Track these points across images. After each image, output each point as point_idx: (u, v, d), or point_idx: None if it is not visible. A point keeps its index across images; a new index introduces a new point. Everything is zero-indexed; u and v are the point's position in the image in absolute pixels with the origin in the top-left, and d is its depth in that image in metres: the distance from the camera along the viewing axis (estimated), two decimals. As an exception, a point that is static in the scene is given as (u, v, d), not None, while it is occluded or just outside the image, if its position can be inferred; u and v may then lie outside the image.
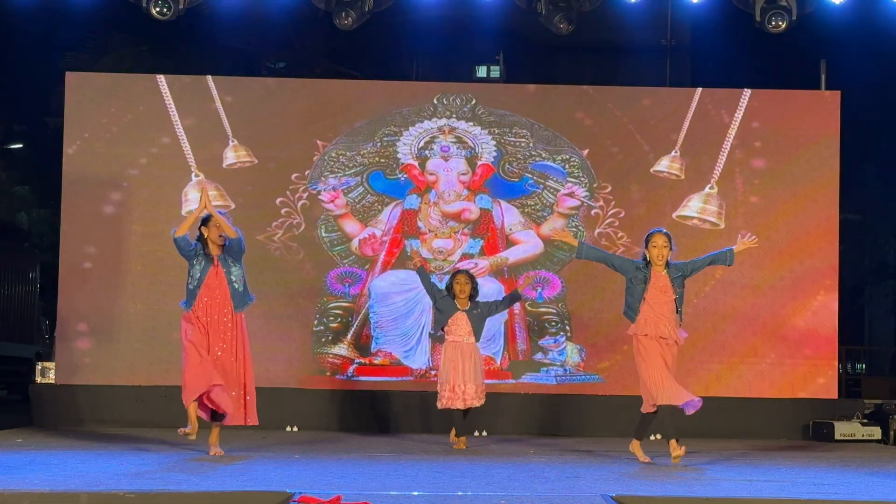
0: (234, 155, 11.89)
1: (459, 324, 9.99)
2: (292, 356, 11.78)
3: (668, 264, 8.64)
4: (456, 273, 10.24)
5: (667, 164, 11.96)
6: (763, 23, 10.60)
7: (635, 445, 8.72)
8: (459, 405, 9.88)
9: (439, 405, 9.96)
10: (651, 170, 11.94)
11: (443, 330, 10.06)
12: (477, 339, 10.06)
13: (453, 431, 10.01)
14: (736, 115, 11.98)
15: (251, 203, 11.87)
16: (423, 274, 10.26)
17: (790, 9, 10.63)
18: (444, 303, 10.08)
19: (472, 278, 10.14)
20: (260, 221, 11.83)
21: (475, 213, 11.99)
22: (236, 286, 8.59)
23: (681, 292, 8.67)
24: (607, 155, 12.01)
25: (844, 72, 12.06)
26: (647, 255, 8.64)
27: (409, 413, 11.36)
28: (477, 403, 9.96)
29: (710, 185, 11.93)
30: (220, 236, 8.53)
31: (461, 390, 9.86)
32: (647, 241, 8.69)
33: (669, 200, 11.95)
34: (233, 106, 11.95)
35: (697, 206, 11.92)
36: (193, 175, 11.82)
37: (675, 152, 11.97)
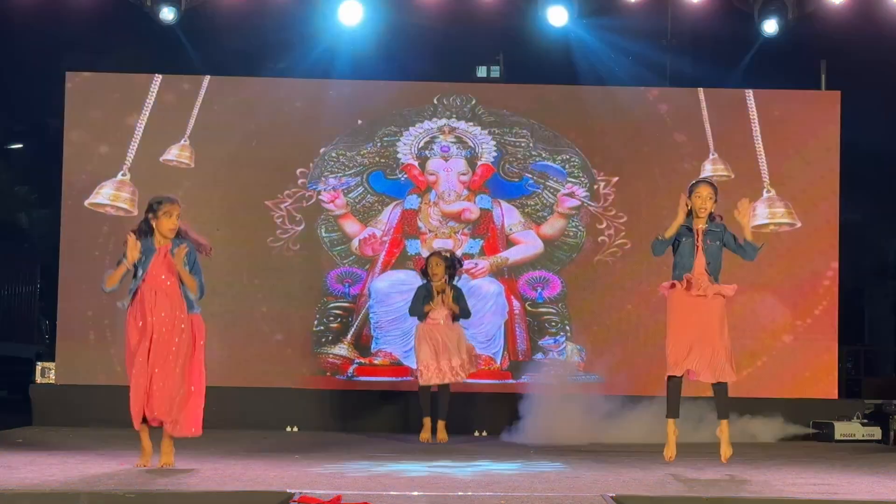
0: (176, 153, 11.84)
1: (435, 308, 10.17)
2: (292, 356, 11.79)
3: (711, 217, 7.84)
4: (429, 256, 10.40)
5: (711, 168, 11.89)
6: (759, 24, 10.64)
7: (669, 424, 7.92)
8: (436, 380, 10.01)
9: (421, 381, 10.12)
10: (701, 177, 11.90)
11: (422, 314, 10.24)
12: (466, 317, 10.26)
13: (425, 425, 10.12)
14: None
15: (250, 203, 11.87)
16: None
17: (786, 9, 10.66)
18: (421, 290, 10.30)
19: (445, 259, 10.30)
20: (259, 222, 11.84)
21: (475, 213, 11.99)
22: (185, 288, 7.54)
23: (713, 247, 7.79)
24: (604, 155, 12.02)
25: (844, 72, 12.05)
26: (691, 207, 7.84)
27: (409, 413, 11.35)
28: (461, 377, 10.10)
29: (766, 189, 11.87)
30: (173, 230, 7.51)
31: (434, 366, 9.97)
32: (690, 192, 7.86)
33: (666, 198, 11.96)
34: (232, 106, 11.96)
35: (766, 213, 11.82)
36: (121, 173, 11.76)
37: (713, 154, 11.92)
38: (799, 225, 11.83)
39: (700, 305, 7.80)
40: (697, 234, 7.87)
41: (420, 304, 10.25)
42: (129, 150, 11.77)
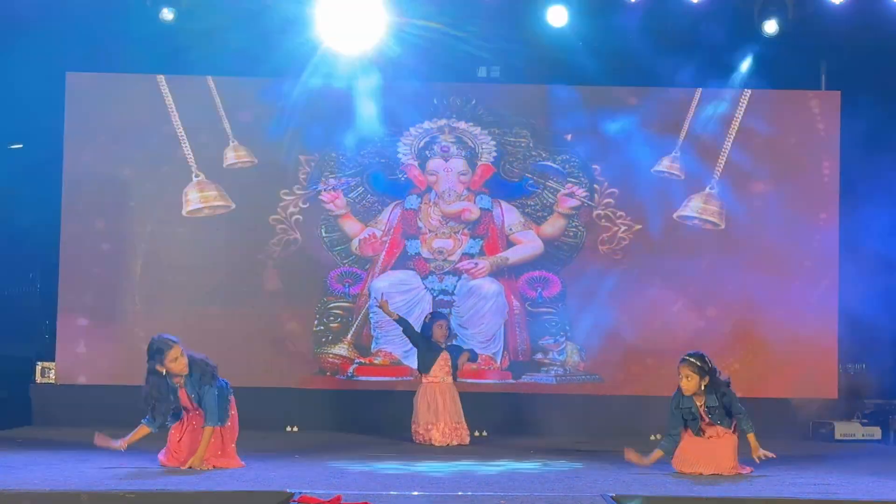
0: (234, 155, 11.91)
1: (440, 364, 10.13)
2: (292, 356, 11.79)
3: (707, 390, 7.93)
4: (435, 318, 10.29)
5: (667, 164, 11.98)
6: (759, 24, 10.65)
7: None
8: (437, 443, 9.96)
9: (415, 440, 10.08)
10: (651, 170, 11.95)
11: (424, 372, 10.15)
12: (454, 378, 10.20)
13: None
14: (736, 115, 12.00)
15: (252, 203, 11.88)
16: (404, 323, 10.27)
17: (786, 9, 10.65)
18: (428, 346, 10.17)
19: (450, 328, 10.34)
20: (260, 221, 11.84)
21: (475, 213, 11.99)
22: (203, 405, 7.75)
23: (718, 417, 7.95)
24: (606, 155, 12.02)
25: (844, 72, 12.04)
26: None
27: (409, 413, 11.35)
28: (457, 442, 10.01)
29: (710, 185, 11.96)
30: (183, 369, 7.66)
31: (434, 428, 9.93)
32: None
33: (670, 200, 11.96)
34: (232, 106, 11.96)
35: (698, 207, 11.95)
36: (194, 176, 11.83)
37: (676, 152, 11.98)
38: (722, 227, 11.88)
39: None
40: (702, 416, 7.89)
41: (434, 356, 10.11)
42: (187, 152, 11.77)
